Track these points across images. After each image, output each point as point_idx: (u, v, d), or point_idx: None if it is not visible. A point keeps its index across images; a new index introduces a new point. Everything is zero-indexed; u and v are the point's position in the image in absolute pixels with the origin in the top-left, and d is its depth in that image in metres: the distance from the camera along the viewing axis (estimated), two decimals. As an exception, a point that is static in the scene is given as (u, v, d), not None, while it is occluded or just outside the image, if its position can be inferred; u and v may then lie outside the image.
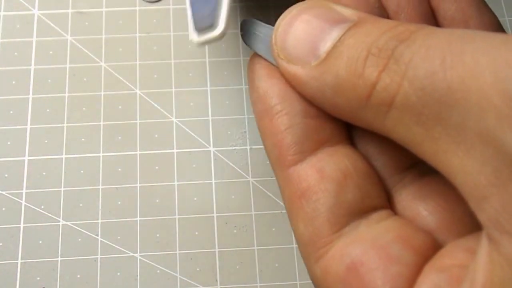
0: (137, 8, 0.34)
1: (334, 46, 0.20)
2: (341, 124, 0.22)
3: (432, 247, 0.20)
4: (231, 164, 0.31)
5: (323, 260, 0.20)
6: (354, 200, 0.20)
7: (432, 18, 0.23)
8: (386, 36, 0.19)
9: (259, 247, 0.29)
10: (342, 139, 0.22)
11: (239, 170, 0.31)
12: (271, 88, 0.22)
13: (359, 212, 0.20)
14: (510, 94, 0.16)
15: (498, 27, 0.23)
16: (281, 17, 0.22)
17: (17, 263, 0.29)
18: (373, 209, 0.21)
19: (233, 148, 0.31)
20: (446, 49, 0.17)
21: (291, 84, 0.21)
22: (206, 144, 0.31)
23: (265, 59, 0.22)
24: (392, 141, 0.21)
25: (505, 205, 0.16)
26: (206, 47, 0.34)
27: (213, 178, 0.31)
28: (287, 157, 0.21)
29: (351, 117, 0.20)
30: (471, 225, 0.20)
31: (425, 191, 0.21)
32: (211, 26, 0.21)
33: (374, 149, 0.22)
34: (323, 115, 0.21)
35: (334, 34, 0.20)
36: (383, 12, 0.23)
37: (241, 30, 0.23)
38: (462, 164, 0.17)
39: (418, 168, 0.22)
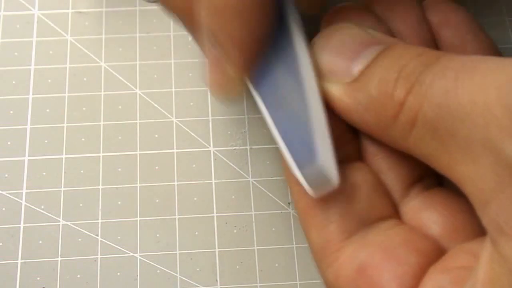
0: (137, 8, 0.34)
1: (368, 67, 0.21)
2: (355, 144, 0.23)
3: (436, 252, 0.21)
4: (231, 164, 0.31)
5: (334, 265, 0.21)
6: (363, 210, 0.22)
7: (433, 43, 0.25)
8: (415, 61, 0.20)
9: (259, 247, 0.29)
10: (355, 158, 0.23)
11: (239, 170, 0.31)
12: None
13: (368, 221, 0.22)
14: (510, 107, 0.17)
15: (495, 51, 0.25)
16: (319, 35, 0.23)
17: (17, 263, 0.29)
18: (381, 218, 0.22)
19: (233, 148, 0.31)
20: (460, 69, 0.19)
21: (326, 100, 0.22)
22: (206, 144, 0.31)
23: None
24: (400, 157, 0.23)
25: (504, 208, 0.17)
26: (206, 47, 0.34)
27: (213, 178, 0.31)
28: None
29: (379, 133, 0.22)
30: (473, 232, 0.22)
31: (430, 202, 0.23)
32: (311, 159, 0.21)
33: (384, 165, 0.23)
34: (342, 138, 0.23)
35: (368, 55, 0.22)
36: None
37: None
38: (470, 172, 0.18)
39: (424, 182, 0.23)
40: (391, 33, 0.24)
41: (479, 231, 0.21)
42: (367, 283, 0.21)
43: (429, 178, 0.23)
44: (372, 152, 0.23)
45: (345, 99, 0.22)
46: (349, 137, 0.23)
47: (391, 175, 0.23)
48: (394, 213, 0.23)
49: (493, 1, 0.35)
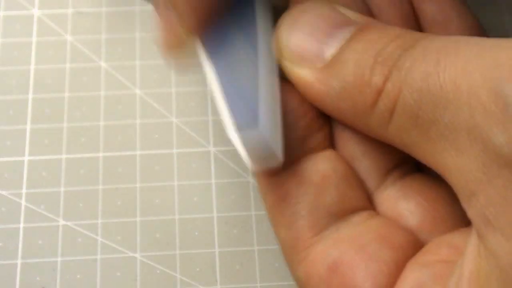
0: (137, 8, 0.34)
1: (341, 50, 0.20)
2: (326, 131, 0.22)
3: (413, 245, 0.20)
4: (231, 164, 0.31)
5: (305, 263, 0.20)
6: (334, 202, 0.21)
7: (414, 20, 0.23)
8: (393, 44, 0.19)
9: (259, 247, 0.29)
10: (326, 145, 0.22)
11: (239, 170, 0.31)
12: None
13: (339, 214, 0.21)
14: (497, 91, 0.16)
15: (479, 30, 0.24)
16: (283, 16, 0.21)
17: (17, 263, 0.29)
18: (354, 210, 0.21)
19: (233, 148, 0.31)
20: (441, 52, 0.18)
21: (296, 86, 0.21)
22: (206, 144, 0.31)
23: None
24: (375, 142, 0.21)
25: (492, 200, 0.16)
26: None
27: (213, 178, 0.31)
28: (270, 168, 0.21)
29: (355, 122, 0.20)
30: (453, 223, 0.20)
31: (407, 191, 0.21)
32: (252, 123, 0.20)
33: (357, 151, 0.22)
34: (311, 126, 0.21)
35: (340, 37, 0.20)
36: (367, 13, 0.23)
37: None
38: (455, 162, 0.17)
39: (401, 168, 0.22)
40: (368, 7, 0.23)
41: (460, 221, 0.20)
42: (340, 282, 0.19)
43: (407, 164, 0.22)
44: (345, 138, 0.22)
45: (316, 86, 0.20)
46: (319, 123, 0.22)
47: (366, 161, 0.22)
48: (368, 204, 0.22)
49: (493, 1, 0.35)
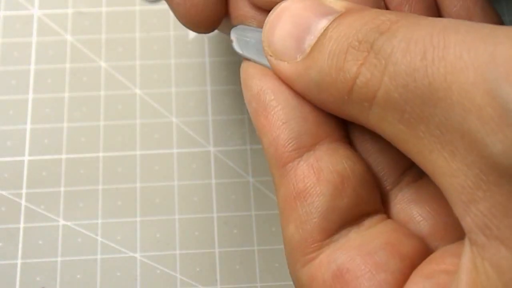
0: (137, 8, 0.34)
1: (318, 40, 0.19)
2: (339, 118, 0.21)
3: (422, 253, 0.20)
4: (231, 164, 0.31)
5: (310, 266, 0.20)
6: (349, 206, 0.20)
7: (437, 13, 0.22)
8: (366, 28, 0.18)
9: (259, 247, 0.29)
10: (341, 136, 0.21)
11: (239, 170, 0.31)
12: (265, 85, 0.21)
13: (352, 218, 0.20)
14: (493, 94, 0.15)
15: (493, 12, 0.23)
16: (270, 12, 0.21)
17: (17, 263, 0.29)
18: (366, 215, 0.20)
19: (233, 148, 0.31)
20: (428, 42, 0.17)
21: (282, 81, 0.21)
22: (206, 144, 0.31)
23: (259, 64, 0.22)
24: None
25: (493, 209, 0.15)
26: (206, 47, 0.34)
27: (213, 178, 0.31)
28: (284, 154, 0.20)
29: (338, 112, 0.20)
30: (463, 232, 0.20)
31: (421, 194, 0.21)
32: None
33: (373, 146, 0.21)
34: (319, 109, 0.21)
35: (318, 27, 0.20)
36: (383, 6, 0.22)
37: (231, 38, 0.23)
38: (448, 166, 0.16)
39: (417, 169, 0.21)
40: (385, 3, 0.22)
41: None
42: None
43: None
44: (360, 131, 0.21)
45: (298, 79, 0.20)
46: (335, 120, 0.21)
47: (382, 159, 0.21)
48: (381, 206, 0.21)
49: (493, 1, 0.35)
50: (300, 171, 0.20)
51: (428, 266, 0.19)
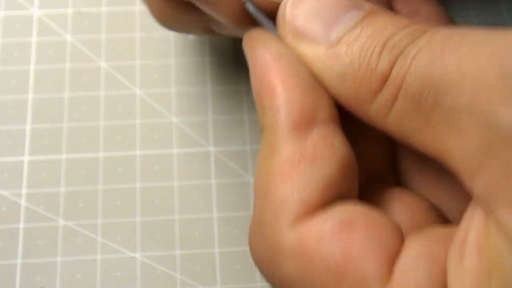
0: (137, 8, 0.34)
1: (348, 34, 0.20)
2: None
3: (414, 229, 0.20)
4: (231, 164, 0.31)
5: (303, 226, 0.19)
6: (349, 185, 0.20)
7: (389, 7, 0.23)
8: (402, 33, 0.19)
9: (259, 247, 0.29)
10: (336, 121, 0.21)
11: (239, 170, 0.31)
12: (285, 50, 0.21)
13: (344, 196, 0.20)
14: (504, 72, 0.16)
15: (445, 16, 0.23)
16: None
17: (17, 263, 0.29)
18: (350, 197, 0.20)
19: (233, 148, 0.31)
20: (447, 40, 0.18)
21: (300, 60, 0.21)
22: (206, 144, 0.31)
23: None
24: (360, 154, 0.21)
25: (501, 173, 0.16)
26: (206, 47, 0.34)
27: (213, 178, 0.31)
28: (300, 119, 0.20)
29: (354, 107, 0.20)
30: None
31: (388, 201, 0.21)
32: None
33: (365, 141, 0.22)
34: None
35: (347, 21, 0.20)
36: None
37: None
38: (455, 144, 0.17)
39: (380, 181, 0.22)
40: None
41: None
42: (345, 244, 0.18)
43: (388, 176, 0.22)
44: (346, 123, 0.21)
45: (317, 66, 0.20)
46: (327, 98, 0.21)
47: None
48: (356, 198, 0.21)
49: (493, 1, 0.35)
50: (312, 139, 0.20)
51: (423, 232, 0.20)
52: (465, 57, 0.17)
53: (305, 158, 0.20)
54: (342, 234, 0.19)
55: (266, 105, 0.20)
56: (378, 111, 0.19)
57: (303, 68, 0.21)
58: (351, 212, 0.19)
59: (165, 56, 0.33)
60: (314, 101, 0.20)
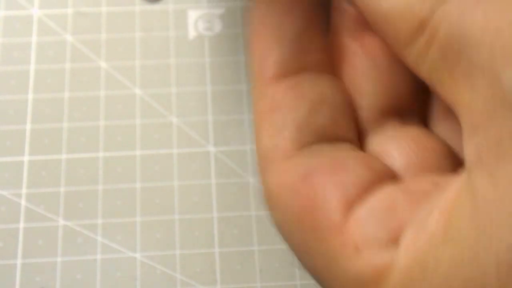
0: (137, 8, 0.34)
1: None
2: (327, 54, 0.21)
3: (392, 176, 0.20)
4: (231, 164, 0.31)
5: (279, 171, 0.20)
6: (324, 124, 0.20)
7: None
8: None
9: (259, 247, 0.29)
10: (327, 69, 0.21)
11: (239, 170, 0.31)
12: (268, 11, 0.21)
13: (326, 137, 0.20)
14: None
15: None
16: None
17: (17, 263, 0.29)
18: (341, 140, 0.21)
19: (233, 148, 0.31)
20: None
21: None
22: (206, 144, 0.31)
23: None
24: (383, 80, 0.21)
25: (488, 137, 0.16)
26: (206, 47, 0.34)
27: (213, 178, 0.31)
28: (267, 73, 0.21)
29: (396, 49, 0.20)
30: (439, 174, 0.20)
31: (401, 135, 0.21)
32: None
33: (362, 85, 0.21)
34: (317, 39, 0.21)
35: None
36: None
37: None
38: (466, 98, 0.17)
39: (404, 117, 0.21)
40: None
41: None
42: (309, 189, 0.19)
43: (412, 115, 0.21)
44: (351, 67, 0.21)
45: (361, 3, 0.20)
46: (320, 42, 0.21)
47: (368, 98, 0.21)
48: (357, 140, 0.21)
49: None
50: (280, 87, 0.20)
51: (399, 184, 0.19)
52: (492, 13, 0.17)
53: (275, 106, 0.20)
54: (303, 182, 0.19)
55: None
56: (416, 57, 0.19)
57: (289, 24, 0.21)
58: (318, 157, 0.19)
59: (165, 56, 0.33)
60: (290, 51, 0.20)
